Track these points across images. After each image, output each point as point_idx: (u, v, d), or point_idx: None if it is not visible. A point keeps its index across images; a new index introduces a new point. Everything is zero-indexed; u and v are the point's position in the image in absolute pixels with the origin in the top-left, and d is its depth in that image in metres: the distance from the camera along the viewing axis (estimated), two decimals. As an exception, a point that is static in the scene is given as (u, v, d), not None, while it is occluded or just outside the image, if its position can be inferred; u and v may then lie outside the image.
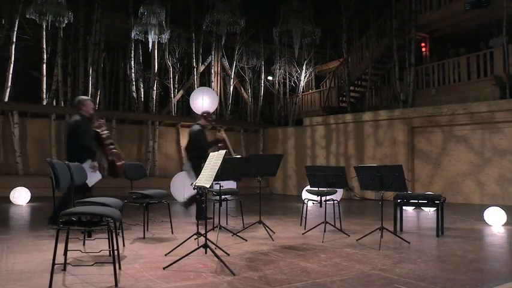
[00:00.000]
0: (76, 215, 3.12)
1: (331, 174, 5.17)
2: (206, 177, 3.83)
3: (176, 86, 13.78)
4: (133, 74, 12.99)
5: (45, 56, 11.52)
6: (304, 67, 14.53)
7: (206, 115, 6.66)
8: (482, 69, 10.94)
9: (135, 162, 6.08)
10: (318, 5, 13.81)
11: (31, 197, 8.47)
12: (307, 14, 13.12)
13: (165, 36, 12.35)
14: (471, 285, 3.06)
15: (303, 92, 15.17)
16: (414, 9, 12.20)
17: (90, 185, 5.30)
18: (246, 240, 4.71)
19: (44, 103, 11.42)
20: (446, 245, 4.63)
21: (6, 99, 10.65)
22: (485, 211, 6.26)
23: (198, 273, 3.28)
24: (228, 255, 3.92)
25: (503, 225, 6.10)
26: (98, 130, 5.86)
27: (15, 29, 10.90)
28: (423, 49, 13.35)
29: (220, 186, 4.55)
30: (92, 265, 3.41)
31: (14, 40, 10.91)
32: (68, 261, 3.29)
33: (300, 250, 4.28)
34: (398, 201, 5.42)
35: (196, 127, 6.53)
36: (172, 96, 13.49)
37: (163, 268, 3.38)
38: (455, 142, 10.17)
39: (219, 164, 3.72)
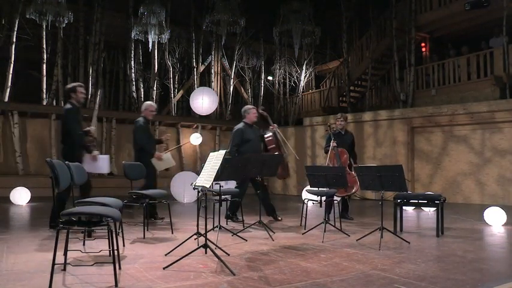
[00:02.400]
0: (76, 215, 3.12)
1: (331, 174, 5.17)
2: (206, 177, 3.83)
3: (176, 86, 13.78)
4: (133, 74, 13.00)
5: (45, 56, 11.53)
6: (304, 67, 14.54)
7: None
8: (482, 69, 10.95)
9: (135, 162, 6.08)
10: (318, 5, 13.81)
11: (31, 197, 8.46)
12: (307, 14, 13.13)
13: (165, 36, 12.36)
14: (471, 285, 3.06)
15: (303, 92, 15.17)
16: (414, 9, 12.20)
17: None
18: (246, 240, 4.71)
19: (44, 103, 11.43)
20: (446, 245, 4.63)
21: (6, 99, 10.66)
22: (485, 211, 6.26)
23: (198, 273, 3.28)
24: (228, 255, 3.92)
25: (503, 225, 6.10)
26: (265, 135, 6.49)
27: (15, 29, 10.90)
28: (423, 49, 13.36)
29: (220, 186, 4.55)
30: (92, 265, 3.40)
31: (14, 40, 10.91)
32: (68, 261, 3.29)
33: (300, 250, 4.27)
34: (399, 201, 5.42)
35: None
36: (172, 96, 13.50)
37: (164, 268, 3.38)
38: (456, 142, 10.17)
39: (219, 164, 3.72)
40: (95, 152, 5.25)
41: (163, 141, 6.69)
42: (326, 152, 6.54)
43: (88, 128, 5.51)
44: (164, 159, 6.14)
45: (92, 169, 5.24)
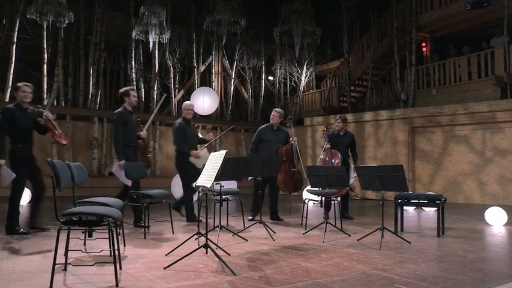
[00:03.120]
0: (77, 215, 3.12)
1: (332, 174, 5.17)
2: (207, 177, 3.83)
3: (177, 86, 13.78)
4: (133, 74, 12.99)
5: (45, 56, 11.52)
6: (304, 67, 14.54)
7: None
8: (483, 69, 10.94)
9: (135, 162, 6.08)
10: (318, 5, 13.81)
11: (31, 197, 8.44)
12: (307, 14, 13.13)
13: (166, 36, 12.34)
14: (472, 285, 3.06)
15: (303, 92, 15.17)
16: (415, 9, 12.20)
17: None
18: (247, 240, 4.71)
19: (45, 103, 11.42)
20: (447, 245, 4.63)
21: (7, 99, 10.66)
22: (486, 211, 6.26)
23: (199, 273, 3.28)
24: (229, 255, 3.92)
25: (504, 225, 6.09)
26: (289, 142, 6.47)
27: (16, 29, 10.90)
28: (424, 49, 13.35)
29: (220, 186, 4.55)
30: (92, 265, 3.41)
31: (15, 40, 10.91)
32: (68, 261, 3.29)
33: (300, 250, 4.27)
34: (399, 201, 5.42)
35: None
36: (173, 96, 13.49)
37: (164, 268, 3.38)
38: (456, 142, 10.16)
39: (220, 164, 3.72)
40: (122, 161, 5.31)
41: (207, 140, 6.69)
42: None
43: (140, 133, 5.74)
44: (201, 156, 6.19)
45: (118, 175, 5.34)
